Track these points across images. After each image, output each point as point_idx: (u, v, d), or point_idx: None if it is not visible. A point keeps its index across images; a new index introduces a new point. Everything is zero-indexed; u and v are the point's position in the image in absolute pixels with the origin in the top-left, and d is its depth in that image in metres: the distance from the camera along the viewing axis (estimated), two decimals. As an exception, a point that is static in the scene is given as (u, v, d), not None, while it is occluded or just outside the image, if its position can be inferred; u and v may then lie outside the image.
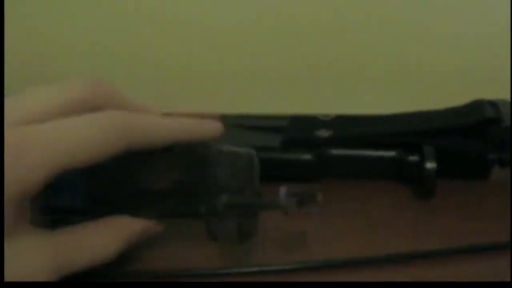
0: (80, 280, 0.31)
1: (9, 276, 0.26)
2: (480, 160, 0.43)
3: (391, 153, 0.44)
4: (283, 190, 0.33)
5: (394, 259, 0.35)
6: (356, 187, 0.43)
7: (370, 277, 0.33)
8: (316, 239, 0.37)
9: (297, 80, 0.62)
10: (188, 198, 0.34)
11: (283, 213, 0.33)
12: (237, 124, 0.47)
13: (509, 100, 0.45)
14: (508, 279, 0.33)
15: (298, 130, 0.45)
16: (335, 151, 0.43)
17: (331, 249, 0.36)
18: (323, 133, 0.44)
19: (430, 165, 0.40)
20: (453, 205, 0.41)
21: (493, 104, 0.44)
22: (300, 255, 0.36)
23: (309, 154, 0.43)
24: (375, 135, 0.43)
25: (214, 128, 0.35)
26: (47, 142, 0.27)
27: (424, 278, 0.33)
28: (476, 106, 0.44)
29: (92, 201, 0.33)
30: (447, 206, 0.41)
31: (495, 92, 0.47)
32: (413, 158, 0.43)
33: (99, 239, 0.31)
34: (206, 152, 0.34)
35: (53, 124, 0.28)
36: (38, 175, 0.27)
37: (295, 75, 0.62)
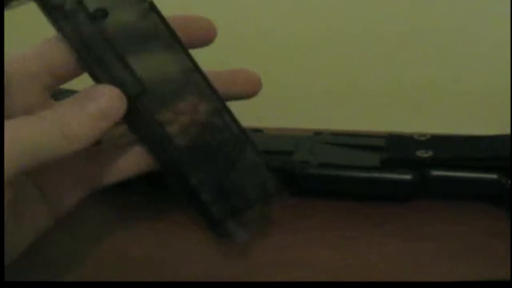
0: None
1: None
2: None
3: (492, 176, 0.43)
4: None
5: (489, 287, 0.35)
6: (454, 208, 0.43)
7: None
8: (409, 259, 0.38)
9: (392, 98, 0.62)
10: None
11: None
12: (333, 142, 0.48)
13: None
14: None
15: (398, 149, 0.45)
16: (436, 172, 0.44)
17: (424, 271, 0.36)
18: (423, 153, 0.44)
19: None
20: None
21: None
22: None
23: (409, 174, 0.43)
24: (476, 158, 0.44)
25: None
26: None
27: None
28: None
29: None
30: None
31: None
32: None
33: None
34: None
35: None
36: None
37: (390, 93, 0.62)
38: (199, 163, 0.32)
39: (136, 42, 0.31)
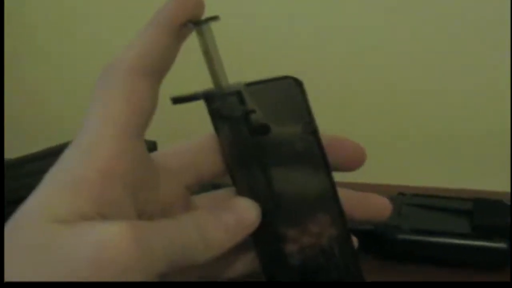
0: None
1: None
2: None
3: None
4: None
5: None
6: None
7: None
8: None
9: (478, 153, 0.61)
10: None
11: None
12: (419, 204, 0.47)
13: None
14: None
15: (488, 215, 0.45)
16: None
17: None
18: (515, 220, 0.44)
19: None
20: None
21: None
22: None
23: (503, 242, 0.42)
24: None
25: None
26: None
27: None
28: None
29: None
30: None
31: None
32: None
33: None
34: None
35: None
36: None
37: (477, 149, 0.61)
38: (303, 282, 0.32)
39: (285, 159, 0.31)
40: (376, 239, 0.43)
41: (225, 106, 0.30)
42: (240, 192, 0.31)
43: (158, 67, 0.29)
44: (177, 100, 0.30)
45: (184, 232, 0.27)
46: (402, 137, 0.65)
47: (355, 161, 0.32)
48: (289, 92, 0.30)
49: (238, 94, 0.30)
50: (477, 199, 0.47)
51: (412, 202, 0.47)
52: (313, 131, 0.31)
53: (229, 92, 0.30)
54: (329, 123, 0.34)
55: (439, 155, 0.64)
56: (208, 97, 0.30)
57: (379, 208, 0.32)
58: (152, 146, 0.50)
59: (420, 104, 0.64)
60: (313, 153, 0.31)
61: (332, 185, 0.31)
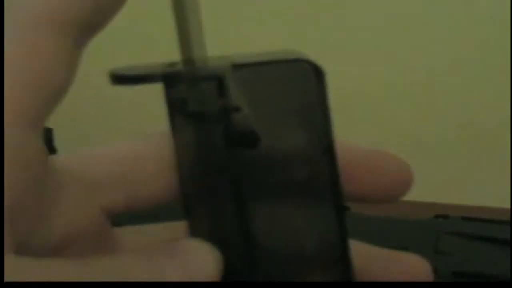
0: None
1: None
2: None
3: None
4: None
5: None
6: None
7: None
8: None
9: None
10: None
11: None
12: (467, 234, 0.35)
13: None
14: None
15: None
16: None
17: None
18: None
19: None
20: None
21: None
22: None
23: None
24: None
25: None
26: None
27: None
28: None
29: None
30: None
31: None
32: None
33: None
34: None
35: None
36: None
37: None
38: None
39: (277, 189, 0.22)
40: None
41: (194, 96, 0.21)
42: (195, 231, 0.22)
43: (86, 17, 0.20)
44: (119, 79, 0.21)
45: (96, 278, 0.20)
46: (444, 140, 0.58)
47: (398, 187, 0.22)
48: (299, 84, 0.21)
49: (216, 80, 0.21)
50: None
51: (456, 229, 0.35)
52: (327, 149, 0.21)
53: (203, 75, 0.21)
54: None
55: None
56: (169, 79, 0.21)
57: (412, 274, 0.23)
58: (48, 135, 0.40)
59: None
60: (321, 183, 0.22)
61: (342, 234, 0.22)
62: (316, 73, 0.21)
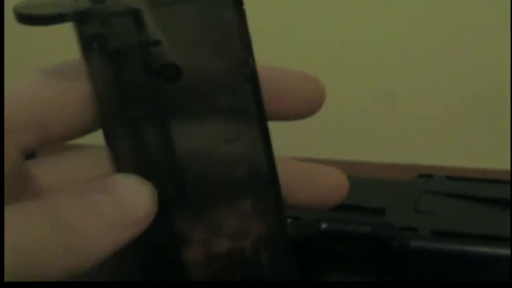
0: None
1: None
2: None
3: None
4: None
5: None
6: None
7: None
8: None
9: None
10: None
11: None
12: (451, 193, 0.33)
13: None
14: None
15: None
16: None
17: None
18: None
19: None
20: None
21: None
22: None
23: None
24: None
25: None
26: None
27: None
28: None
29: None
30: None
31: None
32: None
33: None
34: None
35: None
36: None
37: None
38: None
39: (201, 117, 0.22)
40: (378, 248, 0.29)
41: (110, 32, 0.21)
42: (120, 165, 0.22)
43: None
44: (26, 19, 0.20)
45: (31, 224, 0.20)
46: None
47: (308, 108, 0.24)
48: (217, 14, 0.22)
49: (133, 14, 0.21)
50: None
51: (439, 188, 0.33)
52: (250, 76, 0.22)
53: (118, 10, 0.21)
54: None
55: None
56: (81, 17, 0.20)
57: (330, 186, 0.25)
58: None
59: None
60: (245, 109, 0.22)
61: (268, 156, 0.22)
62: (234, 2, 0.21)
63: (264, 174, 0.23)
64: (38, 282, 0.20)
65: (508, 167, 0.42)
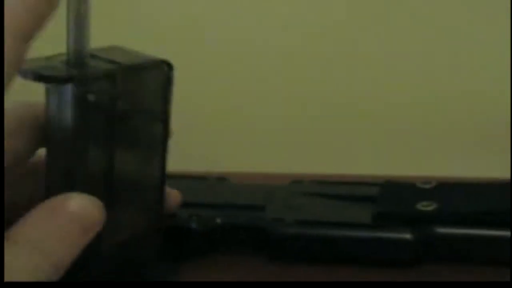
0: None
1: None
2: None
3: (507, 233, 0.36)
4: None
5: None
6: (463, 272, 0.35)
7: None
8: None
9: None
10: None
11: None
12: (314, 192, 0.40)
13: None
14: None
15: (394, 201, 0.38)
16: (440, 229, 0.36)
17: None
18: (425, 206, 0.37)
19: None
20: None
21: None
22: None
23: (408, 233, 0.36)
24: (488, 213, 0.36)
25: None
26: None
27: None
28: None
29: None
30: None
31: None
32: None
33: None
34: None
35: None
36: None
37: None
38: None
39: (132, 143, 0.30)
40: (258, 238, 0.37)
41: (93, 91, 0.27)
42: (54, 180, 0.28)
43: None
44: (45, 79, 0.26)
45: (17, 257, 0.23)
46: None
47: None
48: (159, 77, 0.29)
49: (110, 77, 0.27)
50: (386, 183, 0.40)
51: (307, 190, 0.40)
52: (163, 120, 0.30)
53: (101, 75, 0.27)
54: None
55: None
56: (78, 82, 0.26)
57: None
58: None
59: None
60: (157, 141, 0.31)
61: (163, 174, 0.31)
62: (168, 69, 0.29)
63: (157, 185, 0.31)
64: (38, 282, 0.22)
65: (376, 172, 0.45)
